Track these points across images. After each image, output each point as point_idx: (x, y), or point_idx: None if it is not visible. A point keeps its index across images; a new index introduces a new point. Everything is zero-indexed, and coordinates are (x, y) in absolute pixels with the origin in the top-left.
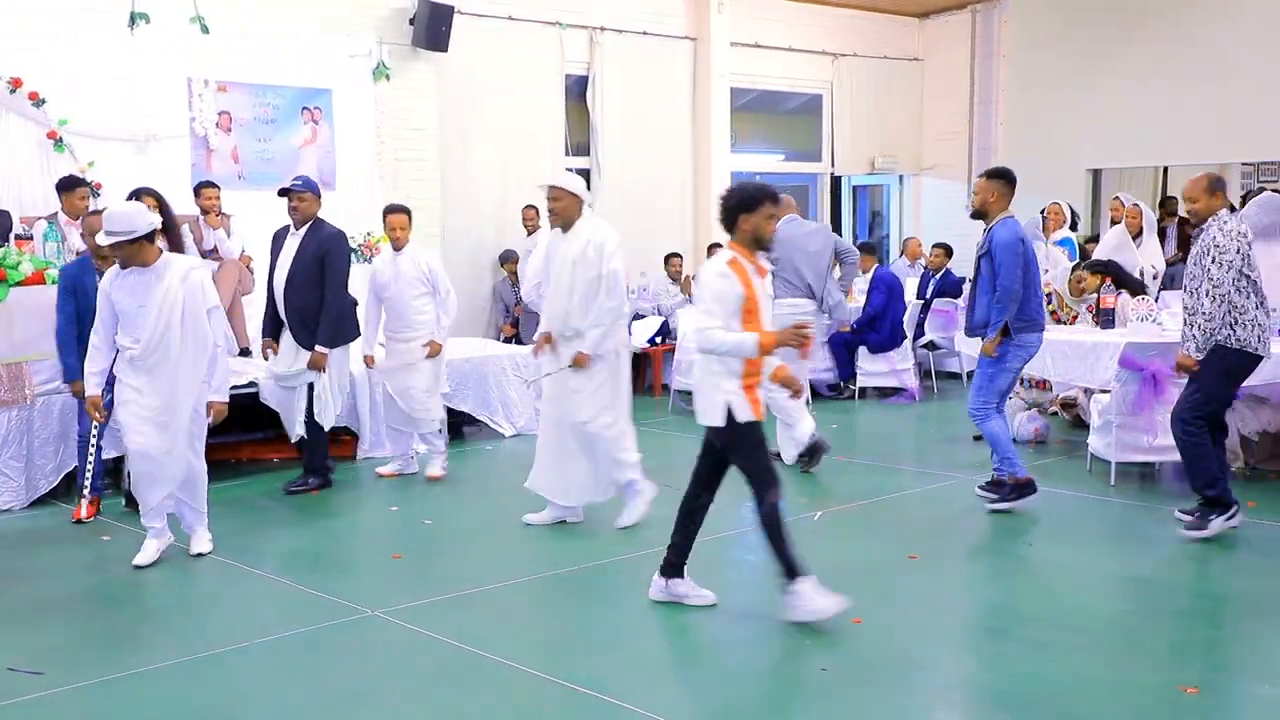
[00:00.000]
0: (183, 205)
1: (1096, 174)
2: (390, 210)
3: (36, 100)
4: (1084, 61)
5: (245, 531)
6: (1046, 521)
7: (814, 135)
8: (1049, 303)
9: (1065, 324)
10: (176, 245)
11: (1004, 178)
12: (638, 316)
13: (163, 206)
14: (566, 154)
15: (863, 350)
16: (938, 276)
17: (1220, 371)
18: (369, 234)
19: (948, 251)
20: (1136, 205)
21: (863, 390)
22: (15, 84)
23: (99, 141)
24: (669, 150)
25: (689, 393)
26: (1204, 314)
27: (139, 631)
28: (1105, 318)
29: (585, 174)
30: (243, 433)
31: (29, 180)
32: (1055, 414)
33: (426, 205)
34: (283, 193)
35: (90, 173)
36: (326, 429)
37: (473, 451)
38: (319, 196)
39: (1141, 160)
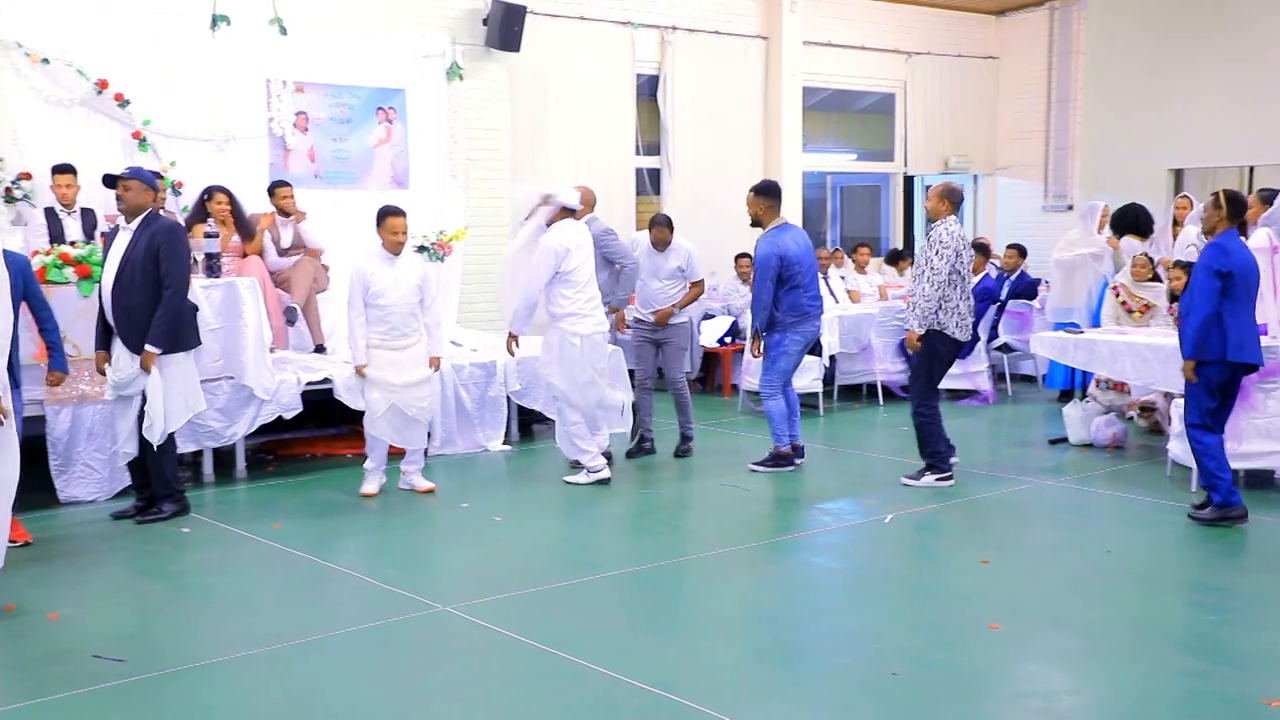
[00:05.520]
0: (258, 204)
1: (1179, 174)
2: (394, 213)
3: (121, 101)
4: (1164, 60)
5: (318, 526)
6: (1126, 528)
7: (887, 134)
8: (1117, 295)
9: (1135, 314)
10: (249, 240)
11: (767, 193)
12: (707, 316)
13: (233, 203)
14: (637, 153)
15: None
16: (1012, 278)
17: (928, 352)
18: (441, 233)
19: (1021, 252)
20: (1186, 196)
21: None
22: (102, 85)
23: (181, 141)
24: (740, 150)
25: (758, 393)
26: (924, 296)
27: (214, 623)
28: None
29: (656, 174)
30: (316, 429)
31: None
32: (1131, 419)
33: (498, 204)
34: (109, 183)
35: (172, 172)
36: (155, 445)
37: (542, 449)
38: (151, 186)
39: (1225, 160)
